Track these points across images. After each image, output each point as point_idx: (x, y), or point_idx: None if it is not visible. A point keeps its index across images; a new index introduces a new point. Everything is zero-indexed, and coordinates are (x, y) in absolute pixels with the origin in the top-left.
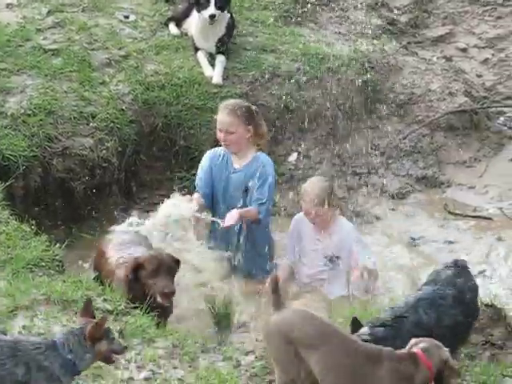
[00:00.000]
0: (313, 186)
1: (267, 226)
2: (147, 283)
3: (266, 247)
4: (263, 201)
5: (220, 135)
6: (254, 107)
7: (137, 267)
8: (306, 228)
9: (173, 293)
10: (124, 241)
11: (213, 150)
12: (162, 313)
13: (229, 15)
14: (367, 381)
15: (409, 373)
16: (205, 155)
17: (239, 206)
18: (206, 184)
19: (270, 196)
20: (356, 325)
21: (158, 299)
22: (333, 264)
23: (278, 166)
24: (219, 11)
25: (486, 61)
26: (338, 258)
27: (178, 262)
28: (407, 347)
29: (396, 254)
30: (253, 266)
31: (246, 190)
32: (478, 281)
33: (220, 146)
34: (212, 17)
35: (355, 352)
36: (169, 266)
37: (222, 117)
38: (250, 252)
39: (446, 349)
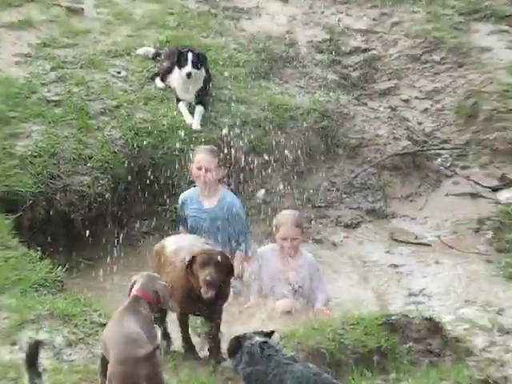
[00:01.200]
0: (289, 213)
1: None
2: (197, 274)
3: None
4: (243, 240)
5: (199, 173)
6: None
7: (191, 260)
8: (272, 259)
9: (215, 283)
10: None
11: (182, 194)
12: (210, 317)
13: (205, 72)
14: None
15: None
16: (180, 197)
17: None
18: (183, 221)
19: (246, 229)
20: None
21: (202, 290)
22: (296, 293)
23: (248, 201)
24: (195, 70)
25: (425, 110)
26: (300, 287)
27: (228, 259)
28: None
29: (350, 276)
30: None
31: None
32: (419, 298)
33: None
34: (189, 75)
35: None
36: (218, 261)
37: (202, 156)
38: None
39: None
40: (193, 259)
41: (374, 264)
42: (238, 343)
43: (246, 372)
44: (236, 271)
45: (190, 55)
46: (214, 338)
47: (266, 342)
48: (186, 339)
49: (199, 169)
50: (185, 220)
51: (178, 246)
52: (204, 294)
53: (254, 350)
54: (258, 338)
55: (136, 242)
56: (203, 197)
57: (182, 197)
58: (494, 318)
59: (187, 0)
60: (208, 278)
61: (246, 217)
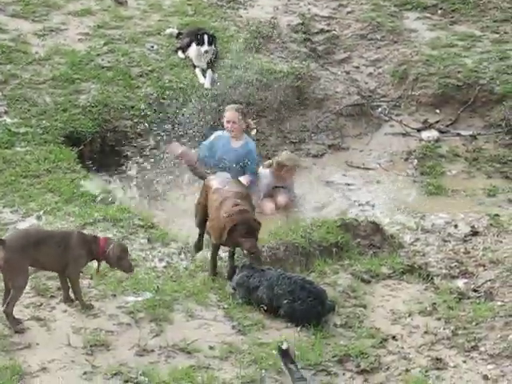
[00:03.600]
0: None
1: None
2: (239, 241)
3: None
4: (253, 171)
5: (228, 125)
6: (246, 110)
7: (232, 228)
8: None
9: (259, 253)
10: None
11: (217, 132)
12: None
13: (214, 47)
14: None
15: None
16: (215, 133)
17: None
18: (208, 150)
19: (255, 166)
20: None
21: (245, 252)
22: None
23: None
24: (210, 47)
25: (370, 74)
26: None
27: (260, 225)
28: None
29: (317, 191)
30: None
31: (242, 167)
32: (365, 208)
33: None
34: (206, 51)
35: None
36: (256, 230)
37: (229, 113)
38: None
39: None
40: (234, 227)
41: (334, 183)
42: (235, 268)
43: (236, 279)
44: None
45: (205, 37)
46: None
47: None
48: (214, 260)
49: (228, 122)
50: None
51: (221, 193)
52: (247, 256)
53: (244, 265)
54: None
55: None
56: (231, 139)
57: (216, 133)
58: (418, 221)
59: None
60: (253, 249)
61: (259, 160)
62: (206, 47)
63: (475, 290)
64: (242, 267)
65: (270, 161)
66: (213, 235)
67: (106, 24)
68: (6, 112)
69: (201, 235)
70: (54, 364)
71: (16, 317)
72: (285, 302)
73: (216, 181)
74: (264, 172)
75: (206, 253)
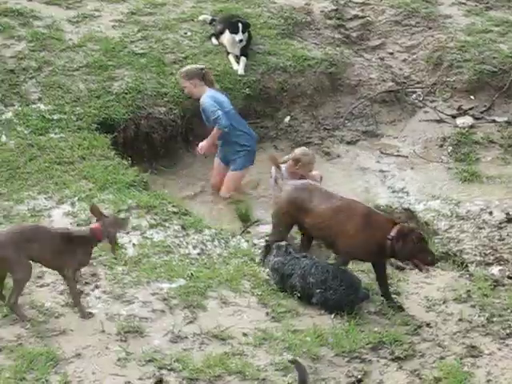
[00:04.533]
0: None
1: (236, 129)
2: (413, 254)
3: (243, 141)
4: (215, 119)
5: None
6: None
7: (405, 236)
8: None
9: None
10: None
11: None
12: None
13: (247, 34)
14: None
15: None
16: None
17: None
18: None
19: (212, 113)
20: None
21: (421, 269)
22: None
23: (278, 125)
24: (244, 34)
25: (404, 60)
26: None
27: None
28: None
29: (350, 178)
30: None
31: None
32: (400, 194)
33: None
34: (240, 40)
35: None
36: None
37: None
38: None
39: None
40: (406, 235)
41: (368, 170)
42: (268, 248)
43: (270, 262)
44: None
45: (240, 25)
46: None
47: (289, 245)
48: None
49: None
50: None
51: (354, 209)
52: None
53: (280, 249)
54: (284, 243)
55: (198, 156)
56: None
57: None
58: (452, 208)
59: None
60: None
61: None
62: (240, 36)
63: (510, 277)
64: (278, 250)
65: (286, 157)
66: (353, 252)
67: (140, 11)
68: (40, 99)
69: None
70: (89, 350)
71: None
72: (317, 291)
73: (324, 196)
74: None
75: (239, 239)
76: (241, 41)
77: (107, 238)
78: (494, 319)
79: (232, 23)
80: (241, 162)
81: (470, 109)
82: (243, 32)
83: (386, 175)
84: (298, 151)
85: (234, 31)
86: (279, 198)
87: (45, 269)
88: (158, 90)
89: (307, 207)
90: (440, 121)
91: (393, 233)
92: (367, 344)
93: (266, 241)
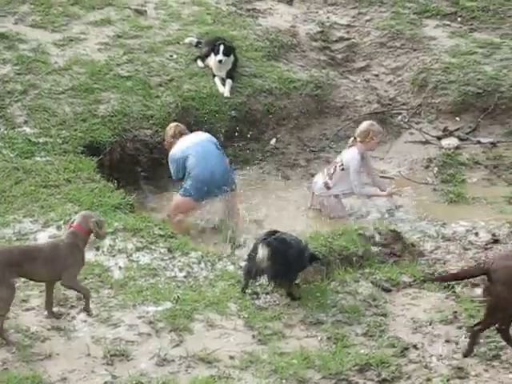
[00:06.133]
0: None
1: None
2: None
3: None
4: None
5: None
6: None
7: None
8: None
9: None
10: None
11: None
12: None
13: (233, 57)
14: None
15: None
16: None
17: None
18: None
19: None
20: None
21: None
22: None
23: (264, 147)
24: (225, 57)
25: (389, 82)
26: None
27: None
28: None
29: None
30: None
31: None
32: (386, 215)
33: None
34: (220, 61)
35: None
36: None
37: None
38: None
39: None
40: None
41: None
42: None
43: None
44: None
45: (221, 47)
46: None
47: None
48: None
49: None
50: None
51: None
52: None
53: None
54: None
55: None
56: None
57: None
58: (438, 229)
59: (220, 4)
60: None
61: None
62: (220, 56)
63: None
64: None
65: (351, 140)
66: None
67: (126, 34)
68: (25, 122)
69: None
70: (74, 374)
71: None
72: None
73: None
74: (350, 154)
75: (225, 262)
76: (220, 61)
77: (92, 229)
78: (481, 340)
79: (215, 45)
80: (186, 188)
81: (456, 130)
82: (228, 55)
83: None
84: (364, 124)
85: (216, 53)
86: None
87: (30, 292)
88: (143, 113)
89: None
90: (425, 142)
91: None
92: (354, 366)
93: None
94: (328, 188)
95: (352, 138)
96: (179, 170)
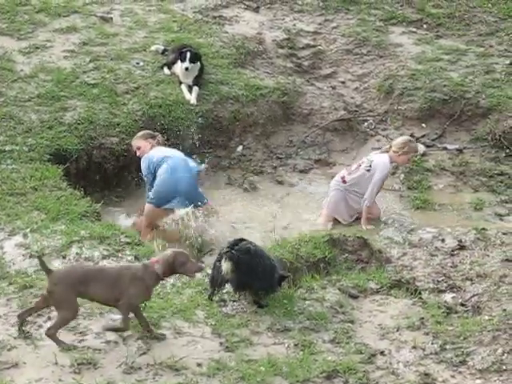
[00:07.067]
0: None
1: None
2: None
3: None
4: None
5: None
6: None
7: None
8: None
9: None
10: None
11: None
12: None
13: (199, 64)
14: None
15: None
16: None
17: None
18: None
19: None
20: None
21: None
22: None
23: (230, 154)
24: (192, 64)
25: (356, 89)
26: None
27: None
28: None
29: (303, 207)
30: None
31: None
32: (353, 223)
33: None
34: (186, 68)
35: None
36: None
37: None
38: None
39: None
40: None
41: (321, 198)
42: None
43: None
44: None
45: (188, 54)
46: None
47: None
48: None
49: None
50: None
51: None
52: None
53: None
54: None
55: None
56: None
57: None
58: (405, 236)
59: (187, 11)
60: None
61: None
62: (186, 64)
63: (463, 305)
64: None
65: (388, 145)
66: None
67: (92, 41)
68: None
69: None
70: (42, 383)
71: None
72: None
73: None
74: (382, 159)
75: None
76: (187, 69)
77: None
78: (447, 346)
79: (181, 52)
80: (149, 195)
81: (422, 136)
82: (194, 62)
83: None
84: (404, 137)
85: (182, 60)
86: None
87: None
88: (110, 121)
89: None
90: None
91: None
92: (321, 373)
93: None
94: (344, 182)
95: (388, 146)
96: (150, 172)
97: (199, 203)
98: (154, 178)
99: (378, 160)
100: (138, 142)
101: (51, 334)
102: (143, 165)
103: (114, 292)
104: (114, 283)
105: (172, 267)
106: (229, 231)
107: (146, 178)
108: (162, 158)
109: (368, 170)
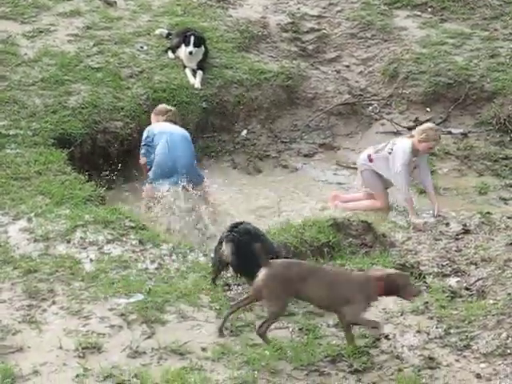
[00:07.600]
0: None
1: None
2: None
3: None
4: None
5: None
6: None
7: None
8: None
9: None
10: None
11: None
12: None
13: (203, 48)
14: None
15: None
16: None
17: None
18: None
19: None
20: None
21: None
22: None
23: (235, 138)
24: (196, 48)
25: (360, 72)
26: None
27: None
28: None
29: (308, 191)
30: None
31: None
32: None
33: None
34: (190, 52)
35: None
36: None
37: None
38: None
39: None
40: None
41: (325, 182)
42: None
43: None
44: None
45: (192, 38)
46: None
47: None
48: None
49: None
50: None
51: None
52: None
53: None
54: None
55: None
56: None
57: None
58: (409, 220)
59: None
60: None
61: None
62: (190, 48)
63: (467, 289)
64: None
65: (414, 131)
66: None
67: (95, 25)
68: None
69: None
70: (46, 367)
71: (6, 322)
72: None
73: None
74: (403, 143)
75: (197, 254)
76: (191, 53)
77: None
78: (452, 331)
79: (185, 36)
80: (148, 175)
81: (426, 121)
82: (198, 46)
83: (343, 187)
84: (426, 124)
85: (186, 44)
86: None
87: (1, 285)
88: (114, 105)
89: None
90: (396, 133)
91: None
92: (326, 357)
93: None
94: (370, 160)
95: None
96: (146, 144)
97: (196, 181)
98: (152, 155)
99: (399, 145)
100: (151, 117)
101: (262, 332)
102: (143, 136)
103: (334, 295)
104: (334, 286)
105: (395, 289)
106: (229, 215)
107: (142, 149)
108: (161, 134)
109: (390, 153)
